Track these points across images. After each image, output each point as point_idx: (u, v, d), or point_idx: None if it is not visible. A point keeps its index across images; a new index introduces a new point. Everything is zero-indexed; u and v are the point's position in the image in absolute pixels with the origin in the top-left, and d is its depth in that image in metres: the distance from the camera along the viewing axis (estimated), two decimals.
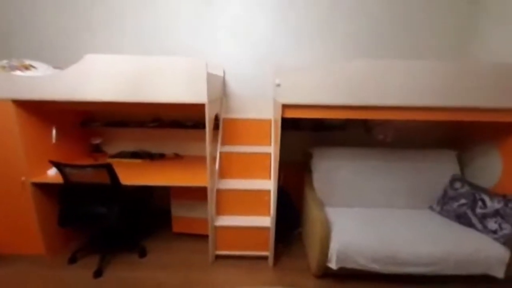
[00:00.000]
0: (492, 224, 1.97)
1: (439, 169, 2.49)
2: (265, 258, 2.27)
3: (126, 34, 2.66)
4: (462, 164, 2.54)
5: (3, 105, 1.92)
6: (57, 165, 1.97)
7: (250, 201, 2.31)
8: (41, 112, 2.15)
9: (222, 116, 2.58)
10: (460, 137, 2.65)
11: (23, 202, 2.12)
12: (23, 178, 2.06)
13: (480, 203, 2.09)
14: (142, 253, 2.36)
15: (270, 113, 2.57)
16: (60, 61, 2.31)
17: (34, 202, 2.13)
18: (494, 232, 1.95)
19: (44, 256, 2.25)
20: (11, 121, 1.95)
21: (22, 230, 2.19)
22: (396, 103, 1.88)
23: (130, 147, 2.90)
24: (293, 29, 2.62)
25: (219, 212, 2.32)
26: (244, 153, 2.43)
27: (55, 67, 2.24)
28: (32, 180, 2.09)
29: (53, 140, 2.30)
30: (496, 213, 1.98)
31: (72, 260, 2.24)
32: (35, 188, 2.13)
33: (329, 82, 1.86)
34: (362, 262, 1.91)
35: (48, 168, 2.17)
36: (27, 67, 2.05)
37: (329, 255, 1.95)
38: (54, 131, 2.30)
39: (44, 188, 2.19)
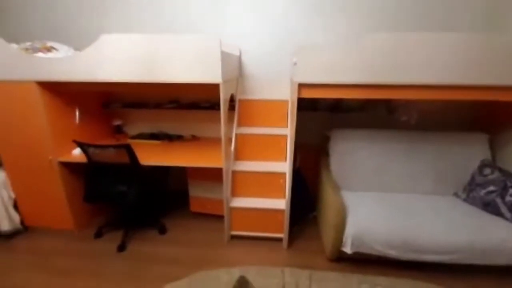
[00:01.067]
0: None
1: (468, 153, 2.33)
2: (279, 240, 2.29)
3: (135, 14, 2.63)
4: (494, 148, 2.35)
5: (28, 86, 2.00)
6: (81, 145, 2.06)
7: (265, 183, 2.30)
8: (64, 93, 2.22)
9: (238, 97, 2.54)
10: (494, 119, 2.44)
11: (51, 180, 2.26)
12: (50, 157, 2.18)
13: (511, 191, 1.94)
14: (162, 230, 2.46)
15: (287, 94, 2.50)
16: (78, 42, 2.35)
17: (62, 180, 2.26)
18: None
19: (73, 230, 2.41)
20: (36, 102, 2.04)
21: (52, 205, 2.35)
22: (422, 81, 1.72)
23: (149, 128, 2.97)
24: (315, 4, 2.46)
25: (234, 193, 2.35)
26: (260, 135, 2.40)
27: (76, 49, 2.29)
28: (58, 159, 2.20)
29: (77, 121, 2.39)
30: None
31: (98, 234, 2.39)
32: (62, 167, 2.25)
33: (348, 59, 1.74)
34: (378, 248, 1.87)
35: (73, 148, 2.28)
36: (49, 49, 2.10)
37: (344, 239, 1.92)
38: (77, 112, 2.38)
39: (70, 166, 2.31)
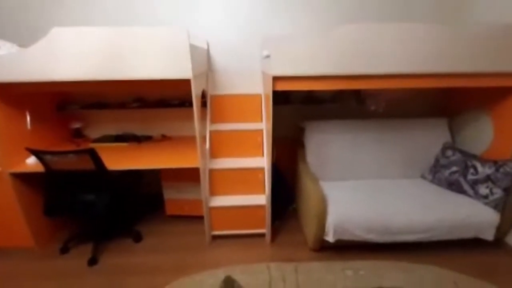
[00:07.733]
0: (483, 190, 2.01)
1: (431, 137, 2.49)
2: (262, 235, 2.27)
3: (94, 5, 2.40)
4: (453, 131, 2.54)
5: None
6: (35, 153, 1.84)
7: (244, 179, 2.26)
8: (10, 96, 1.95)
9: (209, 92, 2.45)
10: (451, 104, 2.63)
11: (3, 194, 1.99)
12: None
13: (471, 170, 2.11)
14: (137, 238, 2.31)
15: (259, 88, 2.46)
16: (24, 38, 2.09)
17: (16, 193, 2.00)
18: (485, 197, 1.98)
19: (34, 248, 2.17)
20: None
21: (7, 223, 2.08)
22: (388, 71, 1.79)
23: (113, 130, 2.74)
24: None
25: (213, 192, 2.27)
26: (235, 131, 2.34)
27: (20, 46, 2.02)
28: (9, 170, 1.95)
29: (28, 126, 2.13)
30: (487, 179, 2.00)
31: (64, 250, 2.17)
32: (14, 178, 1.99)
33: (319, 50, 1.74)
34: (359, 233, 1.93)
35: (27, 157, 2.03)
36: None
37: (326, 228, 1.95)
38: (28, 117, 2.13)
39: (24, 178, 2.05)
